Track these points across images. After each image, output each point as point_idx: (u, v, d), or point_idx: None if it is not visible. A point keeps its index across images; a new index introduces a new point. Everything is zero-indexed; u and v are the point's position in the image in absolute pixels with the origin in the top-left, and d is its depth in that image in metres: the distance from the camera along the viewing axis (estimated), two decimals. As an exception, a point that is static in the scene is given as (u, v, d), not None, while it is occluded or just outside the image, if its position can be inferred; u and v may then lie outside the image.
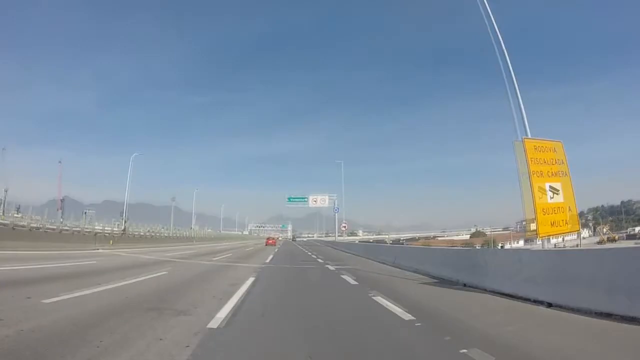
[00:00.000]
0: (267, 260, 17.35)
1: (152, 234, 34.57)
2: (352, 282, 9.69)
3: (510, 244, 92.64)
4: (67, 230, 21.18)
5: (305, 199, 54.02)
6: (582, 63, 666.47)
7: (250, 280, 9.29)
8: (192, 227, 62.01)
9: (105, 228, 28.43)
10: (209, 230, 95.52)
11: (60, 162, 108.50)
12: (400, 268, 13.85)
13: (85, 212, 45.84)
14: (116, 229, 29.50)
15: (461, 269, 9.66)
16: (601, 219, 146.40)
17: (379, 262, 16.86)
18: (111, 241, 23.64)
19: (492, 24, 9.98)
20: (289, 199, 55.44)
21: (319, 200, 53.22)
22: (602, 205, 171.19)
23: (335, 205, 50.42)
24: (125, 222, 30.94)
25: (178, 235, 43.99)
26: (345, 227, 50.63)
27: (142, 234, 32.03)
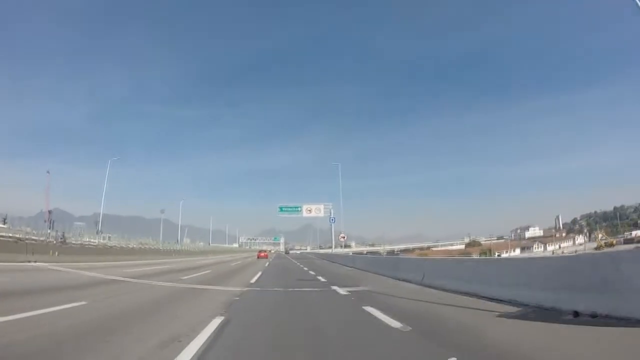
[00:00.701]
0: (253, 281, 13.14)
1: (127, 246, 32.94)
2: (394, 324, 5.29)
3: (507, 252, 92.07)
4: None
5: (299, 209, 50.24)
6: (571, 74, 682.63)
7: (212, 326, 5.00)
8: (178, 239, 57.70)
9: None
10: (201, 243, 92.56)
11: (48, 172, 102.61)
12: (434, 288, 9.83)
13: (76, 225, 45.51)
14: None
15: (572, 287, 5.72)
16: (595, 225, 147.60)
17: (398, 279, 12.74)
18: (52, 251, 19.21)
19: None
20: (280, 208, 51.04)
21: (314, 210, 49.33)
22: (595, 212, 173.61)
23: (332, 215, 46.58)
24: (63, 233, 26.43)
25: (165, 248, 42.25)
26: (344, 238, 44.79)
27: (114, 245, 30.73)
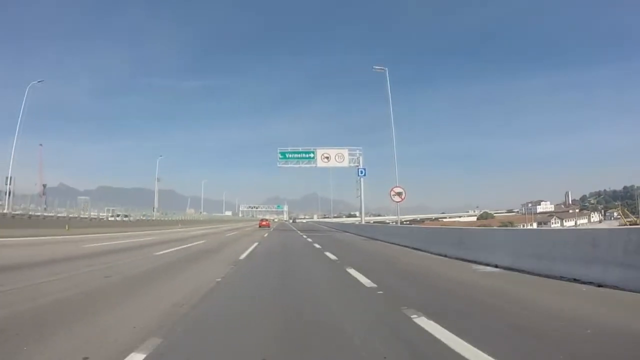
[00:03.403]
0: (235, 263, 9.34)
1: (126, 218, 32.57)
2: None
3: (525, 225, 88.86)
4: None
5: (311, 155, 33.05)
6: (584, 53, 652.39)
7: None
8: (155, 209, 50.27)
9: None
10: (204, 213, 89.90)
11: (41, 145, 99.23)
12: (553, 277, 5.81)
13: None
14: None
15: None
16: (605, 204, 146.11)
17: (480, 263, 7.91)
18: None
19: None
20: (282, 155, 33.29)
21: (334, 158, 32.68)
22: (605, 190, 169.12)
23: (360, 165, 31.73)
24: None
25: (163, 219, 41.63)
26: (400, 195, 22.34)
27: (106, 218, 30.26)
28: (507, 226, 72.07)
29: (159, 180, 75.91)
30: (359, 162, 32.24)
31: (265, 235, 24.32)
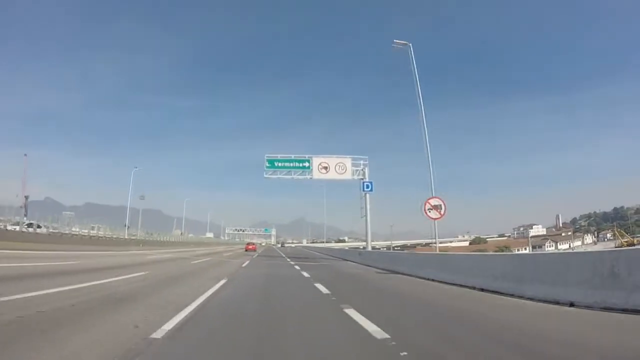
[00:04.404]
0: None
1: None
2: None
3: (517, 250, 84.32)
4: None
5: (306, 164, 26.63)
6: (569, 73, 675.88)
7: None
8: (127, 227, 46.94)
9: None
10: (191, 235, 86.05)
11: (25, 155, 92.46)
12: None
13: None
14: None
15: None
16: (596, 225, 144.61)
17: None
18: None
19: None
20: (270, 163, 26.72)
21: (334, 168, 26.32)
22: (595, 212, 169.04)
23: (366, 178, 25.88)
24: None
25: (132, 239, 38.70)
26: (439, 207, 15.47)
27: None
28: (503, 251, 67.93)
29: (142, 198, 69.73)
30: (363, 175, 26.19)
31: (244, 264, 18.19)
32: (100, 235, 33.72)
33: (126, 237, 39.63)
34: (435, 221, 15.43)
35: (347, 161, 26.82)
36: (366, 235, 25.63)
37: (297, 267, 17.18)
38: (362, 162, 26.88)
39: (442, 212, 15.21)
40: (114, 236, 36.16)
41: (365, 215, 25.28)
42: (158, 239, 44.03)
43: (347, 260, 24.19)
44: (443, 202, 15.41)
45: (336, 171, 26.43)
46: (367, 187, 25.58)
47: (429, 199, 15.38)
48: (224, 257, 26.35)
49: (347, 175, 26.57)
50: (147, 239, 40.60)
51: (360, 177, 26.40)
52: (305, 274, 12.91)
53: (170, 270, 13.21)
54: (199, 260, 19.87)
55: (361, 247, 26.72)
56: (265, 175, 26.81)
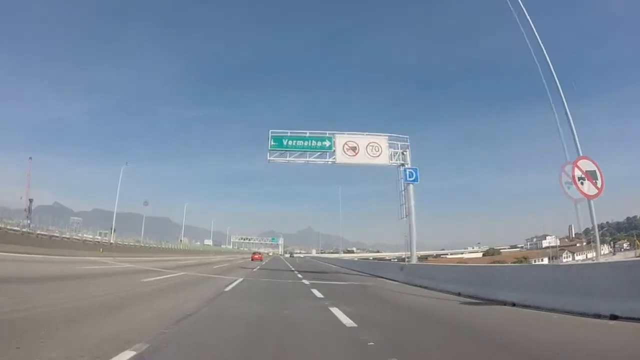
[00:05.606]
0: None
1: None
2: None
3: (535, 261, 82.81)
4: None
5: (327, 142, 19.80)
6: (579, 85, 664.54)
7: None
8: (120, 235, 41.85)
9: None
10: (197, 243, 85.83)
11: (30, 158, 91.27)
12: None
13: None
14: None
15: None
16: (610, 235, 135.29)
17: None
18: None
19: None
20: (276, 141, 19.83)
21: (364, 150, 19.68)
22: (608, 222, 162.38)
23: (408, 164, 19.25)
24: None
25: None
26: (593, 173, 8.93)
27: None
28: (521, 262, 62.32)
29: (146, 204, 65.47)
30: (404, 159, 19.72)
31: (230, 286, 11.00)
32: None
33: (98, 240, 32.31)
34: (591, 200, 8.12)
35: (383, 141, 20.10)
36: (410, 243, 18.69)
37: (316, 292, 10.20)
38: (400, 143, 20.36)
39: (600, 185, 7.96)
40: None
41: (409, 215, 18.21)
42: (131, 244, 38.24)
43: (383, 278, 17.68)
44: (597, 167, 8.18)
45: (368, 153, 19.59)
46: (411, 176, 19.26)
47: (576, 161, 8.15)
48: (212, 269, 19.63)
49: (383, 160, 19.77)
50: (119, 243, 35.22)
51: (401, 162, 19.81)
52: (347, 321, 5.58)
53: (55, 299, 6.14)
54: (161, 277, 12.68)
55: (404, 258, 19.44)
56: (269, 158, 19.92)
